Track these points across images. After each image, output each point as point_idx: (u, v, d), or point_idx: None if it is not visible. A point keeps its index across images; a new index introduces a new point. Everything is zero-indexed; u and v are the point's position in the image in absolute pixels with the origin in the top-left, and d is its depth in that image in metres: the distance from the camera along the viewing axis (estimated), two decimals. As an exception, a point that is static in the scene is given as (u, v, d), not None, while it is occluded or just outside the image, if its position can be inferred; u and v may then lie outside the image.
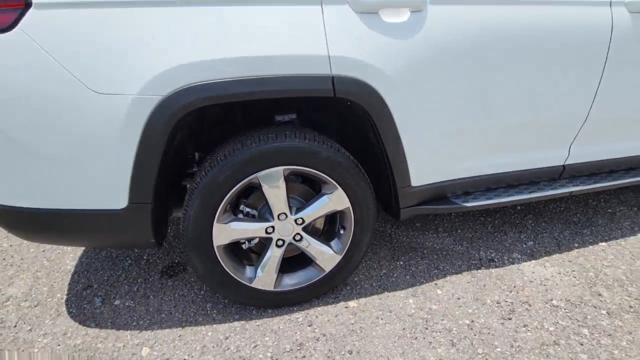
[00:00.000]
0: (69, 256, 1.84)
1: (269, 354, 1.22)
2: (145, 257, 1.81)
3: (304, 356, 1.20)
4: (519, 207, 2.07)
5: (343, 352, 1.21)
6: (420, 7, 1.11)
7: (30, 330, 1.38)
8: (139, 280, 1.64)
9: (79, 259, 1.82)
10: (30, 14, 0.91)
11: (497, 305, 1.38)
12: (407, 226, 1.92)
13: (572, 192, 1.57)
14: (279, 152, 1.13)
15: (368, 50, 1.09)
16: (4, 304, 1.54)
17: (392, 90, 1.14)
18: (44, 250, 1.90)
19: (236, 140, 1.15)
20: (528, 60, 1.26)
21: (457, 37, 1.15)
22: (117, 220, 1.13)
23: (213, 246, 1.22)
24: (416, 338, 1.25)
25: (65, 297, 1.56)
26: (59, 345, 1.31)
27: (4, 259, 1.84)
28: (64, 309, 1.49)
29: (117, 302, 1.51)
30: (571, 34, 1.27)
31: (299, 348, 1.24)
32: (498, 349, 1.20)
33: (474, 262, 1.64)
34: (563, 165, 1.56)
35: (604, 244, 1.74)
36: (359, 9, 1.07)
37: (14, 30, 0.91)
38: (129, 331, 1.35)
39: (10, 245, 1.96)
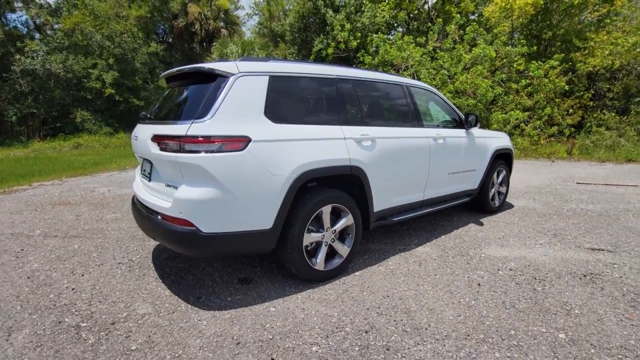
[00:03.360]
0: (158, 288, 2.58)
1: (336, 294, 2.49)
2: (218, 279, 2.74)
3: (351, 292, 2.54)
4: (404, 227, 3.97)
5: (366, 288, 2.60)
6: (375, 139, 2.88)
7: (187, 322, 2.20)
8: (229, 289, 2.60)
9: (168, 288, 2.60)
10: (251, 143, 2.19)
11: (415, 262, 3.07)
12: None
13: (429, 212, 3.53)
14: (332, 197, 2.60)
15: (360, 155, 2.74)
16: (143, 318, 2.25)
17: (367, 169, 2.80)
18: (130, 291, 2.56)
19: (313, 194, 2.55)
20: (408, 159, 3.19)
21: (386, 149, 2.96)
22: (265, 234, 2.31)
23: (302, 246, 2.49)
24: (390, 277, 2.77)
25: (189, 305, 2.38)
26: (217, 321, 2.21)
27: (100, 302, 2.43)
28: (197, 308, 2.34)
29: (229, 299, 2.46)
30: (419, 149, 3.29)
31: (346, 291, 2.56)
32: (422, 272, 2.84)
33: (397, 251, 3.33)
34: (423, 200, 3.52)
35: (444, 236, 3.74)
36: (357, 140, 2.74)
37: (244, 150, 2.16)
38: (255, 305, 2.37)
39: (92, 300, 2.51)
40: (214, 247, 2.22)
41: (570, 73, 12.28)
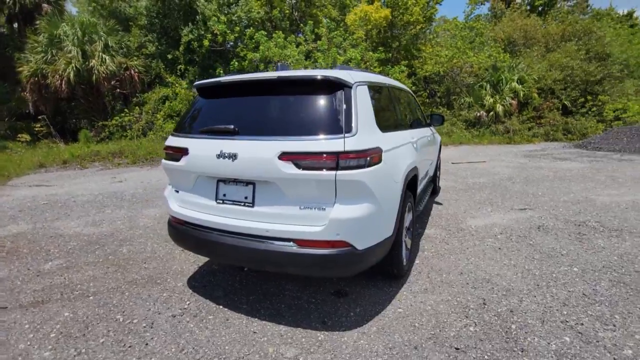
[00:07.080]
0: (266, 327, 2.25)
1: (427, 282, 2.79)
2: (312, 300, 2.58)
3: (434, 278, 2.88)
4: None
5: (440, 270, 3.00)
6: (417, 140, 3.24)
7: (346, 347, 2.08)
8: (337, 305, 2.52)
9: (275, 323, 2.30)
10: (383, 154, 2.20)
11: (441, 242, 3.64)
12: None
13: (426, 199, 4.17)
14: (409, 196, 2.84)
15: (415, 155, 3.06)
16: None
17: (418, 166, 3.16)
18: (239, 341, 2.14)
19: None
20: (424, 154, 3.70)
21: (420, 147, 3.37)
22: (389, 240, 2.37)
23: (402, 245, 2.66)
24: (442, 258, 3.25)
25: (324, 332, 2.21)
26: (371, 337, 2.16)
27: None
28: (337, 332, 2.21)
29: (352, 314, 2.40)
30: (425, 145, 3.84)
31: (428, 277, 2.89)
32: (456, 249, 3.43)
33: (417, 235, 3.83)
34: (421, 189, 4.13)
35: (430, 217, 4.47)
36: (413, 143, 3.04)
37: (380, 163, 2.17)
38: (382, 312, 2.41)
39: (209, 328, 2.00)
40: (365, 263, 2.16)
41: (413, 76, 15.50)
